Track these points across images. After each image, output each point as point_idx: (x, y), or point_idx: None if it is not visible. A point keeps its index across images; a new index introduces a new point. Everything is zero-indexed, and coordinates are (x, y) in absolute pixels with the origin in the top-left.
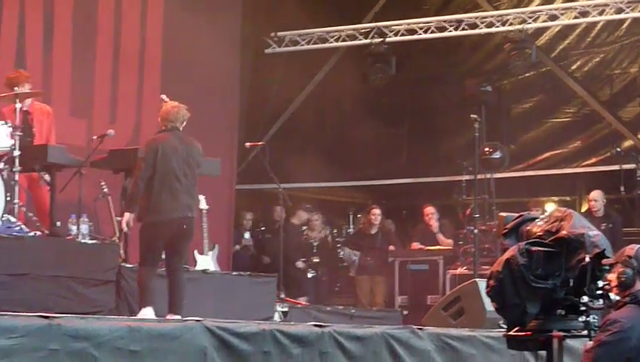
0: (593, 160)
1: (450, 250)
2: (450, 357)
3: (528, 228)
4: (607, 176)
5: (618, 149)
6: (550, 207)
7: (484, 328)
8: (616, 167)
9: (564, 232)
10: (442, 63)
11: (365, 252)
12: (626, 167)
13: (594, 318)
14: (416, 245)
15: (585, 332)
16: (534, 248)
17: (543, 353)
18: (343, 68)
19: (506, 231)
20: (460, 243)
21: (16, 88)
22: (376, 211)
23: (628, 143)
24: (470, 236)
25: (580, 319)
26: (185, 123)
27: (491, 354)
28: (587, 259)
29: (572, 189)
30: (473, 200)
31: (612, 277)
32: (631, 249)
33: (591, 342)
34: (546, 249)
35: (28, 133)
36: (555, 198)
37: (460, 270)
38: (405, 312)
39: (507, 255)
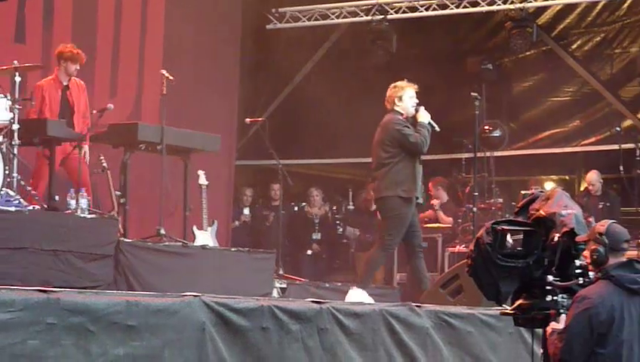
0: (593, 139)
1: (449, 227)
2: (448, 335)
3: (533, 206)
4: (607, 156)
5: (618, 129)
6: (549, 185)
7: (482, 306)
8: (615, 147)
9: (541, 211)
10: (443, 41)
11: (365, 229)
12: (625, 146)
13: (562, 298)
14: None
15: None
16: (499, 227)
17: (540, 330)
18: (344, 45)
19: (517, 209)
20: (459, 221)
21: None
22: None
23: (627, 123)
24: (469, 214)
25: (548, 298)
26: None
27: (489, 332)
28: (556, 238)
29: (571, 168)
30: (473, 178)
31: (586, 254)
32: (602, 225)
33: (554, 324)
34: (514, 228)
35: (68, 111)
36: (555, 177)
37: (459, 248)
38: (404, 290)
39: (478, 234)
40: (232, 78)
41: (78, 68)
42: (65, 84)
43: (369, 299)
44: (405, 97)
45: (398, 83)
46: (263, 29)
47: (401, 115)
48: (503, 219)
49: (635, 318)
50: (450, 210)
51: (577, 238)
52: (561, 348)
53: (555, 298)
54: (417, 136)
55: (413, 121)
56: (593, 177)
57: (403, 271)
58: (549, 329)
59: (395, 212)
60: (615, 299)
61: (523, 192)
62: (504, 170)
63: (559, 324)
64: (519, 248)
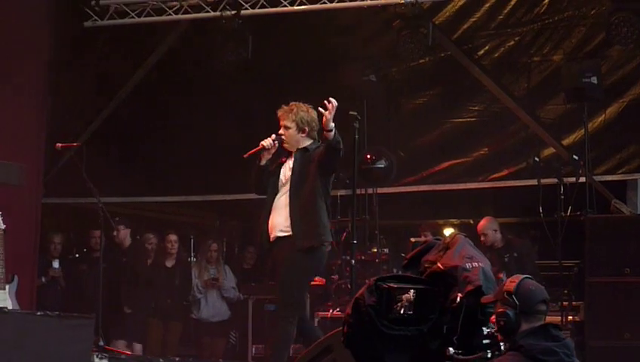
0: (504, 172)
1: (319, 285)
2: None
3: (427, 257)
4: (522, 194)
5: (536, 159)
6: (449, 231)
7: None
8: (533, 182)
9: (438, 265)
10: (312, 45)
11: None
12: (545, 181)
13: None
14: None
15: None
16: (385, 284)
17: None
18: (185, 48)
19: (405, 261)
20: (333, 277)
21: None
22: (172, 237)
23: (548, 151)
24: (346, 268)
25: None
26: None
27: None
28: (458, 299)
29: (476, 209)
30: (350, 221)
31: (494, 319)
32: (512, 282)
33: None
34: (405, 285)
35: None
36: (455, 221)
37: (333, 312)
38: None
39: (358, 293)
40: (39, 92)
41: None
42: None
43: None
44: None
45: None
46: (81, 27)
47: None
48: (390, 274)
49: None
50: None
51: (483, 299)
52: None
53: None
54: None
55: None
56: (484, 226)
57: (260, 341)
58: None
59: None
60: None
61: (413, 240)
62: (391, 211)
63: None
64: (410, 312)
